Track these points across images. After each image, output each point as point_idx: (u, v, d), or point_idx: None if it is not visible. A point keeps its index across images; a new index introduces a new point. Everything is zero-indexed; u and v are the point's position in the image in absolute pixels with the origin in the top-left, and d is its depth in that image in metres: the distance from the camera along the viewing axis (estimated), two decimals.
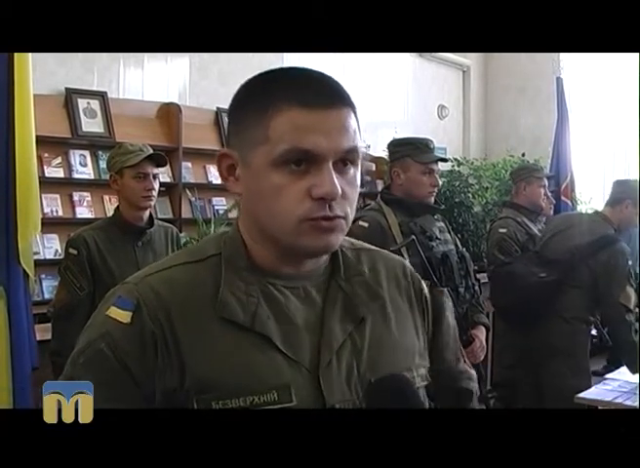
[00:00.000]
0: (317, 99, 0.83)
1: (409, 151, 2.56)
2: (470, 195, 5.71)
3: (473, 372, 1.15)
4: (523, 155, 6.09)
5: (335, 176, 0.83)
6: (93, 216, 3.76)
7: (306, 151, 0.82)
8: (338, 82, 0.88)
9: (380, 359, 0.91)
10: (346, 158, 0.85)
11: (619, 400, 2.61)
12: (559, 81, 5.44)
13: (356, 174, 0.87)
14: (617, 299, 3.02)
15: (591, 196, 6.22)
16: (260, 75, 0.90)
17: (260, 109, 0.84)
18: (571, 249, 3.16)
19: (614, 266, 3.06)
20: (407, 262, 1.06)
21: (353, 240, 1.00)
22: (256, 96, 0.87)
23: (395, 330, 0.95)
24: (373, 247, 1.02)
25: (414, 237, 2.42)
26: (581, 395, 2.71)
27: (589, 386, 2.92)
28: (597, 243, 3.12)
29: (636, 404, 2.53)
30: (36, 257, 2.86)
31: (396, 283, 1.00)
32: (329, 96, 0.85)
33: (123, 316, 0.84)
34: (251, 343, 0.85)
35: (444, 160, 2.82)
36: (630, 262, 3.09)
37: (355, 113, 0.87)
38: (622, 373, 2.99)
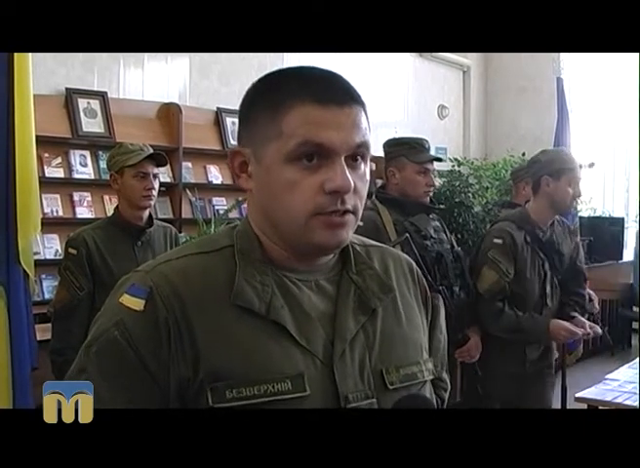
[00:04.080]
0: (330, 97, 0.85)
1: (404, 151, 2.56)
2: (470, 195, 5.70)
3: (448, 384, 1.15)
4: (523, 155, 6.08)
5: (347, 171, 0.84)
6: (93, 216, 3.76)
7: (319, 145, 0.83)
8: (348, 81, 0.89)
9: (391, 351, 0.93)
10: (357, 153, 0.86)
11: (618, 400, 2.61)
12: (559, 81, 5.44)
13: (366, 169, 0.89)
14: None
15: (591, 196, 6.22)
16: (272, 74, 0.90)
17: (273, 106, 0.85)
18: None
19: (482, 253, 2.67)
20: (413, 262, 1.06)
21: (361, 237, 1.01)
22: (268, 93, 0.87)
23: (405, 323, 0.97)
24: (381, 244, 1.03)
25: (407, 235, 2.41)
26: (581, 395, 2.71)
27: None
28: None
29: (636, 404, 2.52)
30: (36, 257, 2.86)
31: (404, 279, 1.01)
32: (341, 94, 0.86)
33: (136, 303, 0.84)
34: (265, 332, 0.86)
35: (439, 159, 2.80)
36: (499, 241, 2.62)
37: (365, 112, 0.89)
38: (622, 373, 2.99)
